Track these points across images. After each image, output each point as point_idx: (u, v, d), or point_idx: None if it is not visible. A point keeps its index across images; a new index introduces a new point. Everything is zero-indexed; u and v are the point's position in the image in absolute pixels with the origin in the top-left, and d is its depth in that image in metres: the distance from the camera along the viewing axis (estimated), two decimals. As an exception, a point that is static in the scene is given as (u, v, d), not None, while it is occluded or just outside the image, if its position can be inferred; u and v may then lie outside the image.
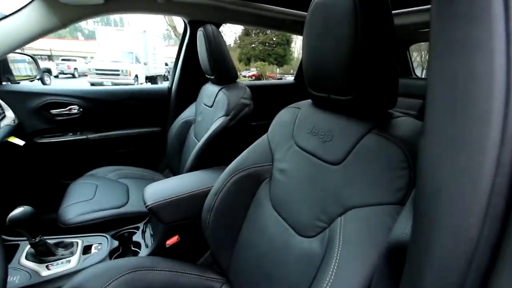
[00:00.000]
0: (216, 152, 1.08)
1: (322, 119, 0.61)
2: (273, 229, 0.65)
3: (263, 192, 0.72)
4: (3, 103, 1.20)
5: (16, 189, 1.28)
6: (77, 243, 0.88)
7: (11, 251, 0.82)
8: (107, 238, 0.92)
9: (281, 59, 19.31)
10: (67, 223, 0.96)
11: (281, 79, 19.33)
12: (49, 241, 0.85)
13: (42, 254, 0.80)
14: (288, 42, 19.15)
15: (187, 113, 1.40)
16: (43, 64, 10.68)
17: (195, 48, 1.30)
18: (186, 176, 1.00)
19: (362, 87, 0.50)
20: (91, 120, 1.43)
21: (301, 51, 0.86)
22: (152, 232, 0.95)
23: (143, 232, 0.98)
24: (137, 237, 0.96)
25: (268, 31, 17.77)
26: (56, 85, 1.38)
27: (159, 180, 0.98)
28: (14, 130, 1.18)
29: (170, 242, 0.86)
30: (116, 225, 1.01)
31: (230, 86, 1.17)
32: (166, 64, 14.48)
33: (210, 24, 1.15)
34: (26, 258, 0.79)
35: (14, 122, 1.20)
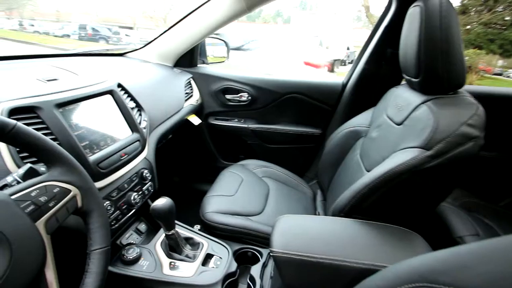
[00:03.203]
0: (394, 202, 0.70)
1: None
2: None
3: None
4: (193, 84, 1.35)
5: (183, 162, 1.48)
6: (203, 246, 0.83)
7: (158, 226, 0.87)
8: (228, 253, 0.82)
9: (512, 47, 13.50)
10: (204, 216, 0.95)
11: (500, 74, 13.81)
12: (182, 231, 0.85)
13: (171, 248, 0.79)
14: (535, 23, 12.94)
15: (359, 121, 1.05)
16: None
17: (396, 34, 0.90)
18: (338, 224, 0.69)
19: None
20: (255, 109, 1.39)
21: None
22: (272, 274, 0.75)
23: (264, 265, 0.81)
24: (255, 269, 0.80)
25: (500, 7, 12.74)
26: (234, 71, 1.40)
27: (298, 215, 0.75)
28: (195, 110, 1.32)
29: (286, 312, 0.62)
30: (243, 239, 0.91)
31: (444, 99, 0.70)
32: (348, 48, 13.87)
33: None
34: (161, 244, 0.81)
35: (197, 102, 1.34)
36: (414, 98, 0.76)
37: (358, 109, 1.10)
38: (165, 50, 1.30)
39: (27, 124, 0.55)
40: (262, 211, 1.02)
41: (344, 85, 1.28)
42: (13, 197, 0.37)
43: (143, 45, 1.32)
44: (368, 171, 0.83)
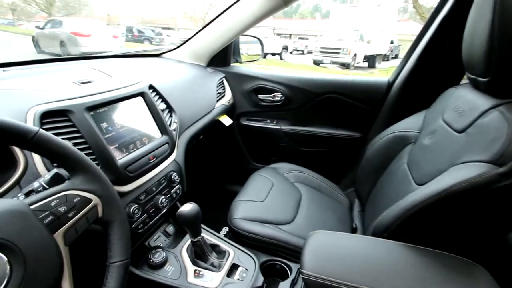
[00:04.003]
0: (452, 226, 0.59)
1: None
2: None
3: None
4: (226, 84, 1.32)
5: (214, 162, 1.46)
6: (229, 255, 0.79)
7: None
8: (255, 264, 0.77)
9: None
10: (232, 222, 0.91)
11: None
12: (208, 237, 0.82)
13: (196, 255, 0.77)
14: None
15: (407, 125, 0.93)
16: (284, 42, 12.90)
17: (457, 25, 0.76)
18: (381, 246, 0.60)
19: None
20: (288, 110, 1.32)
21: None
22: (302, 294, 0.69)
23: (293, 282, 0.74)
24: (284, 286, 0.74)
25: None
26: (268, 70, 1.35)
27: (333, 232, 0.67)
28: (227, 110, 1.29)
29: None
30: (271, 249, 0.85)
31: (523, 103, 0.57)
32: (392, 42, 12.95)
33: None
34: (187, 249, 0.79)
35: (229, 102, 1.31)
36: (481, 101, 0.63)
37: (406, 111, 0.97)
38: (198, 50, 1.29)
39: (58, 128, 0.56)
40: (292, 220, 0.96)
41: (390, 84, 1.15)
42: (32, 207, 0.36)
43: (179, 45, 1.32)
44: (417, 183, 0.72)
